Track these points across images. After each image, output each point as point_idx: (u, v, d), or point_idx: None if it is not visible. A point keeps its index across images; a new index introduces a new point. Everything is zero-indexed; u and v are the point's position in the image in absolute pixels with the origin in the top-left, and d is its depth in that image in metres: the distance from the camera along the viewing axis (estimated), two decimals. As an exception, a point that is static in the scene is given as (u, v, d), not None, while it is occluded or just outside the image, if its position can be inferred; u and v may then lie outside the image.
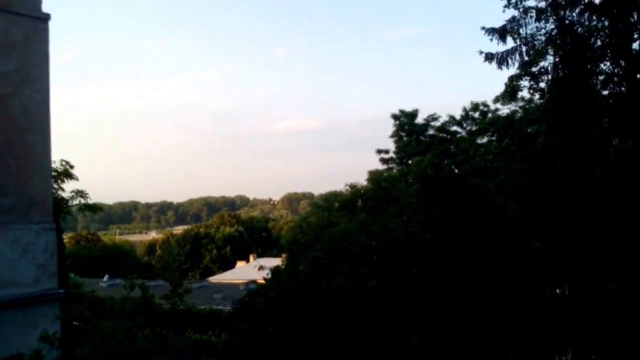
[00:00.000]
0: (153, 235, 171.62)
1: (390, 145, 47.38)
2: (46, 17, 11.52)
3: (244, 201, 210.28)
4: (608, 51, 19.81)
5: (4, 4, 10.82)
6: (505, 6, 20.74)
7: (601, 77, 20.29)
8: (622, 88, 19.84)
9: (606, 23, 19.80)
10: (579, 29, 20.14)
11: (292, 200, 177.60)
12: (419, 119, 46.76)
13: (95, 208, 33.39)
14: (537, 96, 23.18)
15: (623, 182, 18.28)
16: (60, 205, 28.18)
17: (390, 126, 47.30)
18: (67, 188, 30.15)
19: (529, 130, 27.10)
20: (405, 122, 46.75)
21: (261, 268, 37.82)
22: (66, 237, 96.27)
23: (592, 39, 20.10)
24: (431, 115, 46.25)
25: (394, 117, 47.12)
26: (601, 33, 20.03)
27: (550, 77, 20.98)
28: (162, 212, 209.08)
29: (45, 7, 11.55)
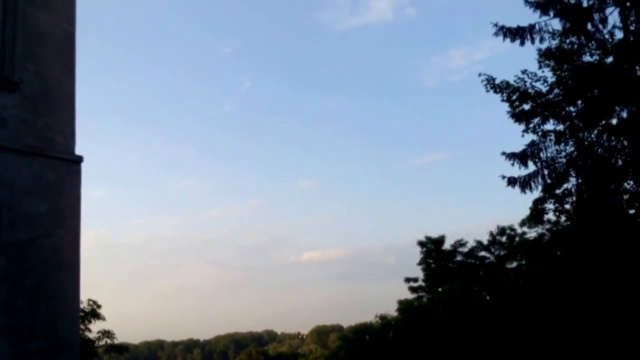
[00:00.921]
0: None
1: (419, 273, 46.90)
2: (79, 160, 11.87)
3: (271, 336, 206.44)
4: (630, 170, 19.90)
5: (39, 148, 11.20)
6: (524, 131, 21.11)
7: (626, 196, 20.28)
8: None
9: (625, 143, 20.02)
10: (599, 149, 20.36)
11: (321, 333, 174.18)
12: (446, 245, 46.50)
13: (122, 349, 32.98)
14: (563, 218, 23.04)
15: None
16: (87, 347, 27.95)
17: (417, 253, 47.06)
18: (94, 328, 29.96)
19: (558, 253, 26.83)
20: (432, 249, 46.44)
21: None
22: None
23: (613, 159, 20.27)
24: (458, 241, 45.97)
25: (421, 244, 46.89)
26: (622, 153, 20.22)
27: (574, 198, 21.00)
28: (189, 350, 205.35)
29: (79, 150, 11.93)
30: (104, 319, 29.87)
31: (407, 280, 47.01)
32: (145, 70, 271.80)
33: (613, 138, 20.21)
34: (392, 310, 44.99)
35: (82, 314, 27.80)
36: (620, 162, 20.32)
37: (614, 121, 20.28)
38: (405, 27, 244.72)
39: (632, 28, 20.10)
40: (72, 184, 11.71)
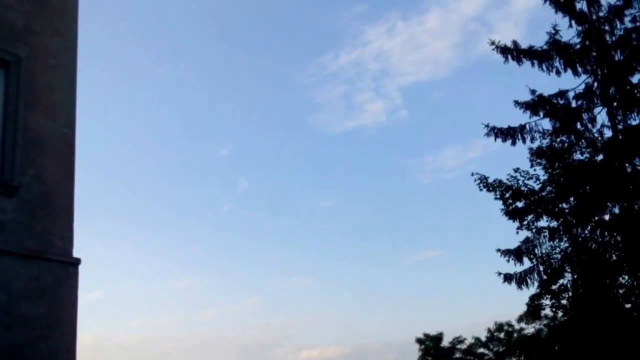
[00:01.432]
0: None
1: (418, 371, 46.26)
2: (76, 262, 11.94)
3: None
4: (625, 264, 20.00)
5: (37, 251, 11.29)
6: (518, 228, 21.25)
7: (621, 291, 20.30)
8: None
9: (618, 238, 20.20)
10: (593, 245, 20.50)
11: None
12: (445, 342, 46.10)
13: None
14: (560, 313, 22.97)
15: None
16: None
17: (415, 350, 46.57)
18: None
19: (556, 348, 26.59)
20: (431, 347, 46.01)
21: None
22: None
23: (608, 254, 20.39)
24: (456, 338, 45.69)
25: (419, 341, 46.52)
26: (615, 248, 20.36)
27: (570, 293, 20.99)
28: None
29: (76, 252, 12.03)
30: None
31: (406, 378, 46.38)
32: (143, 171, 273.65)
33: (606, 233, 20.36)
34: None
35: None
36: (614, 257, 20.41)
37: (607, 217, 20.49)
38: (398, 128, 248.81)
39: (620, 127, 20.64)
40: (69, 286, 11.75)
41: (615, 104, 20.80)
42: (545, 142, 21.48)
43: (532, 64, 21.93)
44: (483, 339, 44.43)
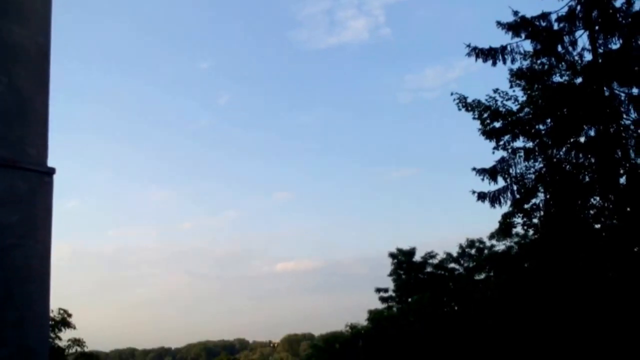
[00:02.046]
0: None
1: (389, 284, 47.20)
2: (51, 172, 11.89)
3: (243, 344, 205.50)
4: (597, 186, 20.31)
5: (11, 160, 11.22)
6: (495, 148, 21.42)
7: (592, 212, 20.69)
8: (614, 221, 20.20)
9: (592, 160, 20.43)
10: (567, 166, 20.74)
11: (292, 342, 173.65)
12: (417, 257, 46.87)
13: (92, 357, 33.10)
14: (531, 232, 23.45)
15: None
16: (57, 355, 27.93)
17: (388, 264, 47.36)
18: (64, 337, 30.00)
19: (525, 265, 27.25)
20: (403, 261, 46.80)
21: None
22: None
23: (581, 176, 20.66)
24: (428, 253, 46.40)
25: (392, 255, 47.23)
26: (589, 170, 20.62)
27: (542, 213, 21.36)
28: (160, 358, 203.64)
29: (51, 162, 11.96)
30: (74, 328, 30.00)
31: (378, 290, 47.30)
32: (121, 84, 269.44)
33: (581, 155, 20.59)
34: (362, 320, 45.17)
35: (52, 322, 27.81)
36: (587, 179, 20.70)
37: (582, 139, 20.69)
38: (380, 46, 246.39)
39: (600, 50, 20.59)
40: (43, 195, 11.73)
41: (597, 27, 20.67)
42: (526, 63, 21.49)
43: (516, -15, 21.62)
44: (454, 254, 45.23)
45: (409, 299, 43.59)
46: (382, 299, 47.09)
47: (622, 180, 20.03)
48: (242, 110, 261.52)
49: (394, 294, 47.01)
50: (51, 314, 28.24)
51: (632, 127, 19.96)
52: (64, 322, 29.25)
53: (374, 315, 44.01)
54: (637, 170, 19.65)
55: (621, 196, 19.74)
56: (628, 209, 19.80)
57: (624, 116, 20.05)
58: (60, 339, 29.57)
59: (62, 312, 29.24)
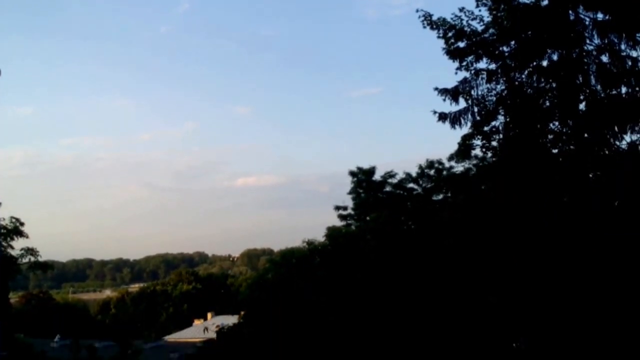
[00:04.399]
0: (108, 293, 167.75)
1: (349, 202, 47.52)
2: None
3: (202, 258, 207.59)
4: (556, 111, 20.43)
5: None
6: (458, 68, 21.33)
7: (550, 136, 20.87)
8: (571, 147, 20.43)
9: (554, 85, 20.48)
10: (529, 90, 20.77)
11: (251, 256, 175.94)
12: (376, 176, 47.11)
13: (45, 266, 32.92)
14: (489, 154, 23.65)
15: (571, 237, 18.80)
16: (10, 264, 27.85)
17: (348, 182, 47.57)
18: (17, 245, 29.80)
19: (482, 187, 27.61)
20: (363, 179, 47.01)
21: (206, 330, 37.96)
22: (16, 296, 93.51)
23: (541, 100, 20.74)
24: (388, 173, 46.59)
25: (352, 174, 47.36)
26: (550, 94, 20.68)
27: (501, 136, 21.50)
28: (118, 269, 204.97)
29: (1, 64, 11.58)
30: (27, 237, 29.79)
31: (337, 208, 47.64)
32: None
33: (542, 79, 20.60)
34: (321, 237, 45.57)
35: (4, 231, 27.57)
36: (547, 104, 20.79)
37: (545, 63, 20.64)
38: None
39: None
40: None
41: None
42: (492, -19, 21.09)
43: None
44: (414, 174, 45.57)
45: (367, 217, 44.06)
46: (341, 217, 47.53)
47: (582, 106, 20.15)
48: (203, 19, 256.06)
49: (352, 212, 47.45)
50: (2, 222, 28.08)
51: (594, 52, 19.91)
52: (16, 230, 28.99)
53: (331, 232, 44.42)
54: (596, 96, 19.77)
55: (580, 122, 19.93)
56: (585, 135, 20.04)
57: (587, 41, 19.97)
58: (12, 247, 29.34)
59: (14, 220, 28.96)
